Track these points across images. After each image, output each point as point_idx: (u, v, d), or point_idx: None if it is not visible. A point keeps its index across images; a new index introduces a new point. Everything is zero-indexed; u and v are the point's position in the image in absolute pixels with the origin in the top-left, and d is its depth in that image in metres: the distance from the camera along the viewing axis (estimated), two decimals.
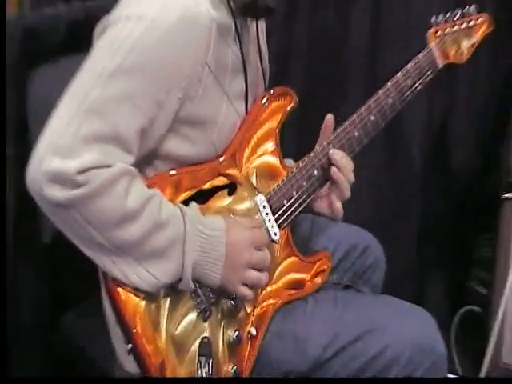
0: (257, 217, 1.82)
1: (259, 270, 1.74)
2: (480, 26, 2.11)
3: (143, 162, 1.66)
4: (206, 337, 1.70)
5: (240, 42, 1.75)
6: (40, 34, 1.90)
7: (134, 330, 1.63)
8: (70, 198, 1.50)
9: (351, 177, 1.88)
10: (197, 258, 1.63)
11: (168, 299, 1.66)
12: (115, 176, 1.53)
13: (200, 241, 1.64)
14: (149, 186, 1.65)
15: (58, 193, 1.50)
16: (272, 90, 1.88)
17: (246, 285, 1.73)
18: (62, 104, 1.55)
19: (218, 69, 1.68)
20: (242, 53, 1.76)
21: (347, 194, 1.90)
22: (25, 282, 2.00)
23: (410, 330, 1.82)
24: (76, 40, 1.86)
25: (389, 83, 1.95)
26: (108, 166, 1.53)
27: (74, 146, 1.51)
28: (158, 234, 1.60)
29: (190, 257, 1.63)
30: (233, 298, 1.75)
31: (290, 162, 1.92)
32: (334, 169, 1.88)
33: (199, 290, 1.70)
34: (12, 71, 1.88)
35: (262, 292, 1.81)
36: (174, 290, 1.66)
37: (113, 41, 1.58)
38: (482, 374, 2.41)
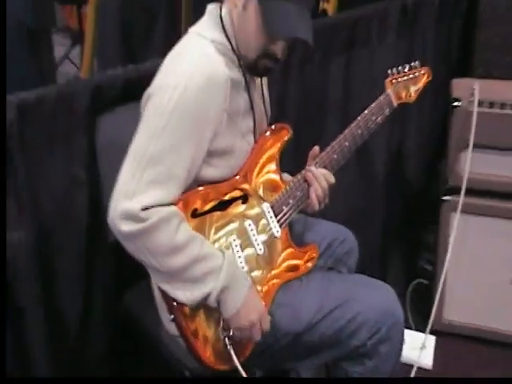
0: (263, 220, 1.83)
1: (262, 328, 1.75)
2: (423, 76, 2.16)
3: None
4: None
5: (248, 91, 1.80)
6: (104, 90, 1.90)
7: (175, 304, 1.67)
8: (135, 230, 1.58)
9: (324, 185, 1.89)
10: (225, 284, 1.67)
11: None
12: (168, 216, 1.60)
13: (231, 274, 1.69)
14: (185, 200, 1.68)
15: (126, 227, 1.58)
16: (273, 126, 1.91)
17: (248, 328, 1.73)
18: (127, 160, 1.62)
19: (233, 112, 1.75)
20: (250, 100, 1.81)
21: (323, 201, 1.91)
22: (99, 271, 1.99)
23: (376, 299, 1.87)
24: (130, 94, 1.89)
25: (358, 118, 1.97)
26: (164, 205, 1.60)
27: (137, 190, 1.57)
28: (198, 265, 1.65)
29: (220, 283, 1.66)
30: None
31: (287, 176, 1.95)
32: (310, 176, 1.90)
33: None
34: (84, 118, 1.86)
35: (268, 274, 1.82)
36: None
37: (157, 107, 1.64)
38: (428, 328, 2.42)
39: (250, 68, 1.80)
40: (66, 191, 1.91)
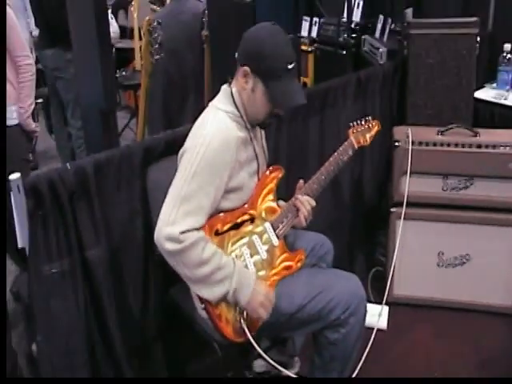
0: (266, 235, 1.80)
1: (263, 309, 1.71)
2: (374, 126, 2.12)
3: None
4: None
5: (253, 144, 1.77)
6: (152, 149, 1.90)
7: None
8: (175, 249, 1.56)
9: (308, 208, 1.85)
10: (236, 286, 1.66)
11: None
12: (198, 240, 1.59)
13: (240, 278, 1.67)
14: (210, 224, 1.65)
15: (170, 246, 1.56)
16: (271, 168, 1.87)
17: (257, 312, 1.70)
18: (168, 198, 1.61)
19: (243, 160, 1.72)
20: (254, 150, 1.78)
21: (308, 218, 1.87)
22: (152, 274, 1.98)
23: (346, 285, 1.84)
24: (170, 150, 1.89)
25: (330, 158, 1.94)
26: (196, 230, 1.58)
27: (176, 219, 1.56)
28: (218, 272, 1.62)
29: (233, 285, 1.66)
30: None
31: (281, 202, 1.90)
32: (298, 203, 1.86)
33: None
34: (139, 168, 1.87)
35: (270, 273, 1.79)
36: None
37: (189, 159, 1.62)
38: (384, 300, 2.38)
39: (259, 124, 1.80)
40: (129, 219, 1.91)
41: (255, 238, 1.79)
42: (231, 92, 1.74)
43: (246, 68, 1.69)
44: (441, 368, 2.31)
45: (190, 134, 1.71)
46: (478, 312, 2.59)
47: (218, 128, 1.67)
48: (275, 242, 1.82)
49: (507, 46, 2.78)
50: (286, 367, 1.88)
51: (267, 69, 1.67)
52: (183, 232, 1.55)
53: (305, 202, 1.86)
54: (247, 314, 1.70)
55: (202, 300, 1.67)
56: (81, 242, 1.76)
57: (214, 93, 1.82)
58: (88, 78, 2.23)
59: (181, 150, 1.69)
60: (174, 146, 1.86)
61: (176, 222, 1.56)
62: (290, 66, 1.69)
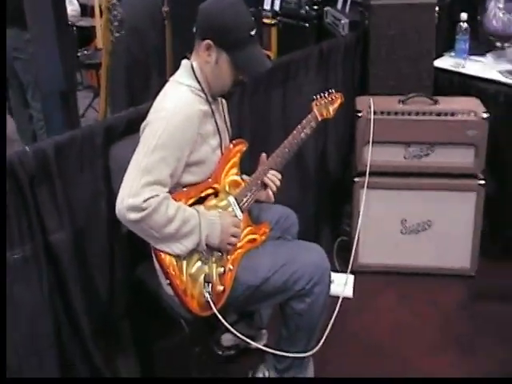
0: (230, 208, 1.80)
1: (235, 237, 1.76)
2: (338, 99, 2.09)
3: (171, 188, 1.65)
4: (207, 273, 1.70)
5: (215, 117, 1.76)
6: (114, 128, 1.87)
7: (169, 272, 1.64)
8: (141, 217, 1.55)
9: (278, 183, 1.88)
10: (207, 232, 1.66)
11: (186, 255, 1.66)
12: (160, 201, 1.57)
13: (207, 223, 1.66)
14: (174, 199, 1.63)
15: (134, 216, 1.55)
16: (234, 141, 1.86)
17: (229, 244, 1.74)
18: (129, 168, 1.59)
19: (205, 134, 1.71)
20: (216, 124, 1.77)
21: (274, 189, 1.87)
22: (118, 253, 1.95)
23: (310, 256, 1.85)
24: (132, 128, 1.84)
25: (294, 131, 1.92)
26: (157, 196, 1.56)
27: (138, 191, 1.55)
28: (185, 225, 1.62)
29: (203, 232, 1.65)
30: (221, 251, 1.75)
31: (245, 176, 1.89)
32: (267, 180, 1.87)
33: (204, 249, 1.69)
34: (101, 148, 1.84)
35: (235, 246, 1.78)
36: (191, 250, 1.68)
37: (151, 132, 1.61)
38: (349, 269, 2.39)
39: (224, 95, 1.81)
40: (92, 200, 1.88)
41: (219, 211, 1.78)
42: (191, 66, 1.73)
43: (209, 41, 1.67)
44: (404, 332, 2.36)
45: (152, 109, 1.69)
46: (439, 275, 2.64)
47: (180, 101, 1.66)
48: (239, 215, 1.82)
49: (464, 15, 2.78)
50: (254, 340, 1.90)
51: (232, 39, 1.67)
52: (145, 200, 1.55)
53: (273, 178, 1.86)
54: (212, 287, 1.70)
55: (166, 275, 1.66)
56: (43, 226, 1.72)
57: (175, 69, 1.79)
58: (46, 58, 2.16)
59: (143, 124, 1.68)
60: (136, 124, 1.80)
61: (138, 193, 1.55)
62: (252, 33, 1.70)
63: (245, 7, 1.72)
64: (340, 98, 2.12)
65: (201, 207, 1.72)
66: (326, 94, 2.07)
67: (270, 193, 1.88)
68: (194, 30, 1.72)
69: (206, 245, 1.69)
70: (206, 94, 1.73)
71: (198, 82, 1.72)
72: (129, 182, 1.57)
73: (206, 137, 1.73)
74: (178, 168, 1.65)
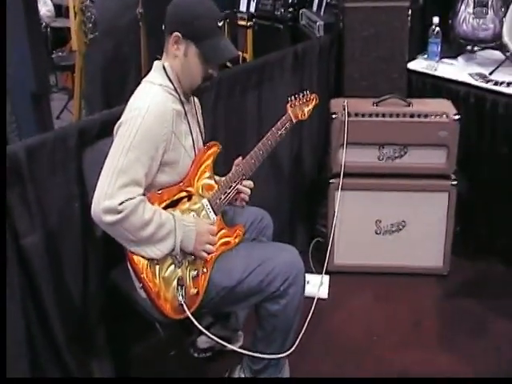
0: (203, 211, 1.78)
1: (211, 245, 1.74)
2: (312, 100, 2.08)
3: (145, 189, 1.63)
4: (180, 276, 1.69)
5: (187, 118, 1.75)
6: (87, 130, 1.84)
7: (142, 276, 1.62)
8: (117, 219, 1.53)
9: (248, 192, 1.89)
10: (182, 238, 1.64)
11: (160, 259, 1.65)
12: (136, 204, 1.56)
13: (182, 229, 1.65)
14: (149, 200, 1.62)
15: (110, 218, 1.53)
16: (208, 144, 1.84)
17: (204, 251, 1.73)
18: (103, 170, 1.57)
19: (178, 134, 1.70)
20: (188, 124, 1.76)
21: (247, 196, 1.90)
22: (92, 257, 1.92)
23: (284, 257, 1.84)
24: (106, 131, 1.82)
25: (268, 134, 1.91)
26: (133, 198, 1.55)
27: (114, 192, 1.53)
28: (161, 229, 1.61)
29: (178, 238, 1.63)
30: (194, 255, 1.73)
31: (218, 178, 1.88)
32: (241, 187, 1.87)
33: (178, 254, 1.68)
34: (74, 150, 1.81)
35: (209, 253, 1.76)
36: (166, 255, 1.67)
37: (125, 132, 1.59)
38: (324, 270, 2.41)
39: (195, 91, 1.79)
40: (65, 203, 1.85)
41: (193, 215, 1.77)
42: (163, 66, 1.72)
43: (177, 33, 1.68)
44: (379, 331, 2.38)
45: (126, 109, 1.68)
46: (413, 275, 2.66)
47: (154, 100, 1.65)
48: (213, 218, 1.81)
49: (435, 19, 2.81)
50: (229, 342, 1.89)
51: (199, 30, 1.68)
52: (121, 203, 1.53)
53: (244, 189, 1.87)
54: (185, 290, 1.69)
55: (139, 279, 1.64)
56: (15, 230, 1.69)
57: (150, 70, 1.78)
58: (17, 59, 2.12)
59: (117, 124, 1.66)
60: (110, 127, 1.77)
61: (113, 195, 1.53)
62: (219, 24, 1.72)
63: (211, 1, 1.74)
64: (315, 99, 2.11)
65: (177, 211, 1.71)
66: (300, 96, 2.06)
67: (243, 203, 1.89)
68: (164, 27, 1.73)
69: (181, 250, 1.68)
70: (178, 93, 1.73)
71: (171, 81, 1.72)
72: (104, 183, 1.56)
73: (180, 136, 1.72)
74: (153, 167, 1.64)
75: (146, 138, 1.60)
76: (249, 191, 1.89)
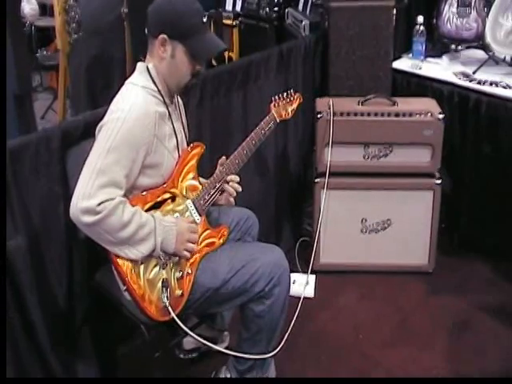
0: (187, 212, 1.77)
1: (192, 243, 1.74)
2: (296, 100, 2.09)
3: (127, 191, 1.62)
4: (165, 278, 1.67)
5: (171, 120, 1.74)
6: (71, 131, 1.83)
7: (126, 278, 1.61)
8: (95, 220, 1.52)
9: (236, 187, 1.87)
10: (162, 238, 1.63)
11: (144, 261, 1.64)
12: (115, 205, 1.54)
13: (162, 229, 1.64)
14: (131, 204, 1.61)
15: (88, 219, 1.52)
16: (192, 144, 1.83)
17: (186, 250, 1.72)
18: (83, 170, 1.56)
19: (161, 136, 1.69)
20: (173, 126, 1.75)
21: (234, 195, 1.87)
22: (76, 259, 1.92)
23: (269, 257, 1.83)
24: (90, 132, 1.78)
25: (252, 133, 1.91)
26: (112, 199, 1.53)
27: (92, 193, 1.52)
28: (141, 231, 1.59)
29: (158, 239, 1.62)
30: (178, 256, 1.71)
31: (203, 179, 1.87)
32: (226, 186, 1.86)
33: (161, 255, 1.66)
34: (58, 151, 1.80)
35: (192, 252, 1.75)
36: (147, 256, 1.64)
37: (106, 133, 1.58)
38: (309, 269, 2.42)
39: (182, 90, 1.78)
40: (49, 205, 1.83)
41: (176, 216, 1.75)
42: (147, 68, 1.71)
43: (163, 36, 1.67)
44: (365, 329, 2.38)
45: (108, 110, 1.66)
46: (399, 273, 2.67)
47: (136, 102, 1.63)
48: (197, 219, 1.80)
49: (420, 19, 2.84)
50: (215, 342, 1.89)
51: (185, 28, 1.67)
52: (100, 203, 1.52)
53: (233, 184, 1.85)
54: (170, 292, 1.68)
55: (123, 282, 1.63)
56: None
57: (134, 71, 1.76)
58: None
59: (99, 125, 1.65)
60: (94, 128, 1.75)
61: (92, 196, 1.52)
62: (204, 20, 1.71)
63: None
64: (299, 98, 2.11)
65: (157, 212, 1.70)
66: (284, 95, 2.05)
67: (231, 198, 1.87)
68: (147, 30, 1.71)
69: (162, 251, 1.67)
70: (162, 95, 1.71)
71: (154, 83, 1.70)
72: (83, 183, 1.55)
73: (163, 139, 1.71)
74: (134, 169, 1.63)
75: (127, 141, 1.59)
76: (238, 188, 1.87)
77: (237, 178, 1.87)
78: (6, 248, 1.65)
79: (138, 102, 1.64)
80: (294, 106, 2.10)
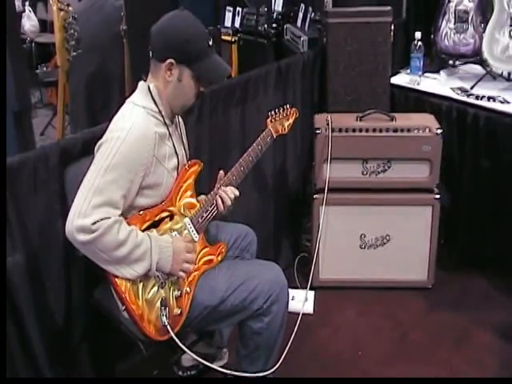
0: (186, 231, 1.77)
1: (189, 263, 1.73)
2: (292, 114, 2.10)
3: (125, 211, 1.62)
4: (163, 297, 1.67)
5: (172, 140, 1.74)
6: (69, 148, 1.84)
7: (125, 298, 1.61)
8: (90, 239, 1.52)
9: (232, 197, 1.82)
10: (158, 258, 1.63)
11: (142, 280, 1.64)
12: (111, 224, 1.54)
13: (159, 249, 1.64)
14: (129, 223, 1.61)
15: (82, 237, 1.52)
16: (189, 162, 1.83)
17: (182, 270, 1.71)
18: (80, 188, 1.56)
19: (161, 157, 1.69)
20: (173, 146, 1.75)
21: (229, 205, 1.83)
22: (74, 276, 1.92)
23: (267, 275, 1.84)
24: (88, 150, 1.80)
25: (249, 149, 1.92)
26: (107, 218, 1.53)
27: (88, 211, 1.52)
28: (136, 250, 1.59)
29: (154, 259, 1.62)
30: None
31: (202, 196, 1.88)
32: (219, 202, 1.82)
33: (159, 274, 1.66)
34: (56, 169, 1.81)
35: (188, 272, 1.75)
36: (145, 276, 1.63)
37: (104, 152, 1.58)
38: (309, 285, 2.43)
39: (187, 111, 1.82)
40: (47, 223, 1.84)
41: (175, 234, 1.76)
42: (149, 88, 1.71)
43: (170, 60, 1.66)
44: (364, 346, 2.38)
45: (108, 128, 1.67)
46: (398, 289, 2.67)
47: (136, 123, 1.63)
48: (195, 237, 1.80)
49: (418, 34, 2.86)
50: (214, 359, 1.89)
51: (193, 53, 1.67)
52: (95, 222, 1.52)
53: (228, 191, 1.84)
54: (169, 311, 1.67)
55: (122, 301, 1.63)
56: None
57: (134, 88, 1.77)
58: None
59: (97, 144, 1.65)
60: (92, 145, 1.76)
61: (87, 214, 1.52)
62: (210, 43, 1.71)
63: (196, 19, 1.72)
64: (295, 113, 2.11)
65: (153, 232, 1.70)
66: (280, 110, 2.07)
67: (222, 206, 1.82)
68: (152, 52, 1.71)
69: (158, 270, 1.66)
70: (163, 116, 1.71)
71: (155, 103, 1.70)
72: (79, 202, 1.55)
73: (162, 159, 1.71)
74: (132, 190, 1.63)
75: (125, 161, 1.59)
76: (231, 195, 1.83)
77: (236, 192, 1.86)
78: (5, 246, 1.65)
79: (138, 123, 1.64)
80: (291, 120, 2.11)
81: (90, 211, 1.53)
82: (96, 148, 1.65)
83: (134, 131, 1.61)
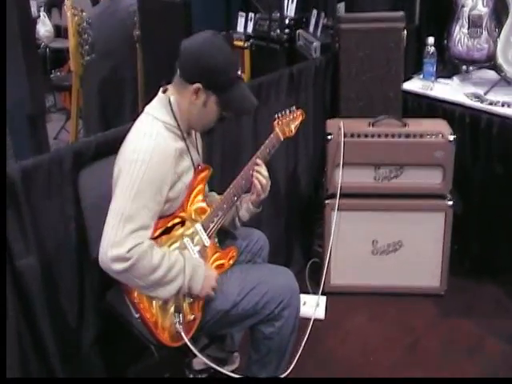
0: (197, 236, 1.78)
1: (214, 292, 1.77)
2: (299, 117, 2.07)
3: None
4: (177, 303, 1.70)
5: (190, 153, 1.75)
6: (83, 152, 1.85)
7: (138, 305, 1.64)
8: (126, 267, 1.55)
9: (266, 175, 1.87)
10: (190, 276, 1.68)
11: None
12: (145, 249, 1.57)
13: (192, 267, 1.69)
14: None
15: (118, 266, 1.55)
16: (199, 167, 1.82)
17: (208, 295, 1.75)
18: (109, 218, 1.58)
19: (180, 172, 1.71)
20: (191, 159, 1.76)
21: (264, 184, 1.87)
22: (87, 279, 1.94)
23: (279, 279, 1.85)
24: (102, 153, 1.85)
25: (258, 153, 1.91)
26: (141, 243, 1.55)
27: (121, 240, 1.54)
28: (171, 271, 1.63)
29: (187, 276, 1.67)
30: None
31: (215, 195, 1.91)
32: (255, 174, 1.86)
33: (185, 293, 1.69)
34: (70, 172, 1.82)
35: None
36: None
37: (129, 179, 1.59)
38: (320, 290, 2.43)
39: (207, 131, 1.85)
40: (60, 224, 1.86)
41: (187, 240, 1.77)
42: (169, 101, 1.70)
43: (198, 85, 1.66)
44: (375, 352, 2.37)
45: (126, 143, 1.66)
46: (410, 295, 2.66)
47: (158, 144, 1.62)
48: (206, 242, 1.81)
49: (431, 40, 2.86)
50: (225, 363, 1.89)
51: (221, 82, 1.67)
52: (129, 250, 1.54)
53: (262, 171, 1.85)
54: (183, 317, 1.69)
55: (136, 309, 1.65)
56: (10, 252, 1.70)
57: (150, 96, 1.77)
58: (12, 80, 2.12)
59: (116, 165, 1.65)
60: (105, 149, 1.82)
61: (121, 243, 1.54)
62: (239, 73, 1.75)
63: (228, 46, 1.71)
64: (301, 114, 2.10)
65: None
66: (287, 113, 2.05)
67: (258, 186, 1.85)
68: (178, 71, 1.69)
69: (188, 288, 1.68)
70: (181, 130, 1.71)
71: (175, 118, 1.70)
72: (112, 231, 1.55)
73: (181, 175, 1.72)
74: (159, 210, 1.65)
75: (152, 185, 1.60)
76: (265, 172, 1.86)
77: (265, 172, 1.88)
78: (5, 248, 1.67)
79: (159, 144, 1.63)
80: (297, 122, 2.09)
81: (124, 240, 1.54)
82: (116, 171, 1.64)
83: (156, 152, 1.61)
